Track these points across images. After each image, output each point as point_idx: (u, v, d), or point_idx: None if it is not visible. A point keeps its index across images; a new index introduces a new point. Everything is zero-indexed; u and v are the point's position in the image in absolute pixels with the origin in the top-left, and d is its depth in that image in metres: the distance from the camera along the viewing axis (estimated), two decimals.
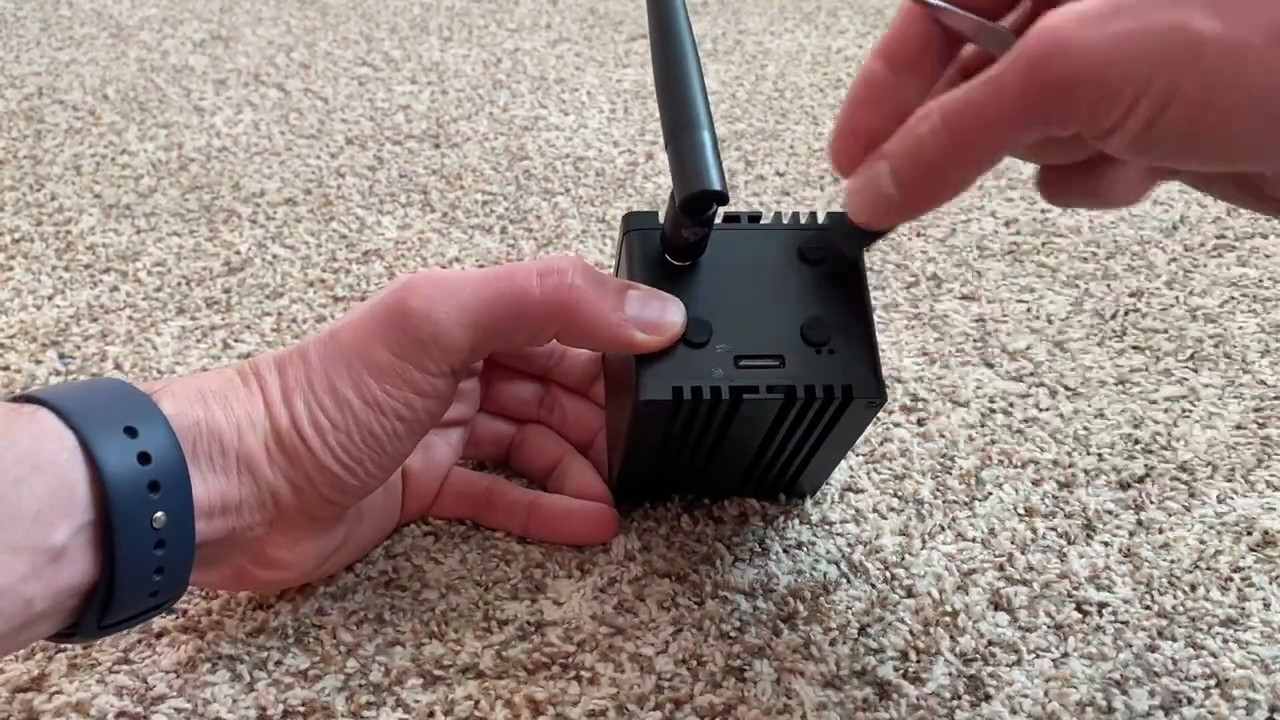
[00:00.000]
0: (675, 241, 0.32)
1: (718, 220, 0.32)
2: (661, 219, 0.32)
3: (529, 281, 0.31)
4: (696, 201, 0.28)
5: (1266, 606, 0.35)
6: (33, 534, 0.25)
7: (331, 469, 0.31)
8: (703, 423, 0.33)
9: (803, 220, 0.33)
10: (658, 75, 0.30)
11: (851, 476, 0.41)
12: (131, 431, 0.27)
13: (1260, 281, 0.56)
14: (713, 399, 0.31)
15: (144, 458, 0.27)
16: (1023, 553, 0.38)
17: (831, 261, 0.33)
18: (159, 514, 0.27)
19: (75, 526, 0.26)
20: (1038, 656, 0.33)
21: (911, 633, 0.34)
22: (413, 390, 0.31)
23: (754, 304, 0.32)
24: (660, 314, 0.31)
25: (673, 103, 0.29)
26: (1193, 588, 0.36)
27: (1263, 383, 0.47)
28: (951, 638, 0.34)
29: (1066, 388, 0.47)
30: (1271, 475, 0.41)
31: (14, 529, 0.25)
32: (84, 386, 0.29)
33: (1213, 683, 0.33)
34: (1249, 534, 0.38)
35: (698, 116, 0.29)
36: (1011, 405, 0.46)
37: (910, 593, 0.36)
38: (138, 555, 0.27)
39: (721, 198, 0.28)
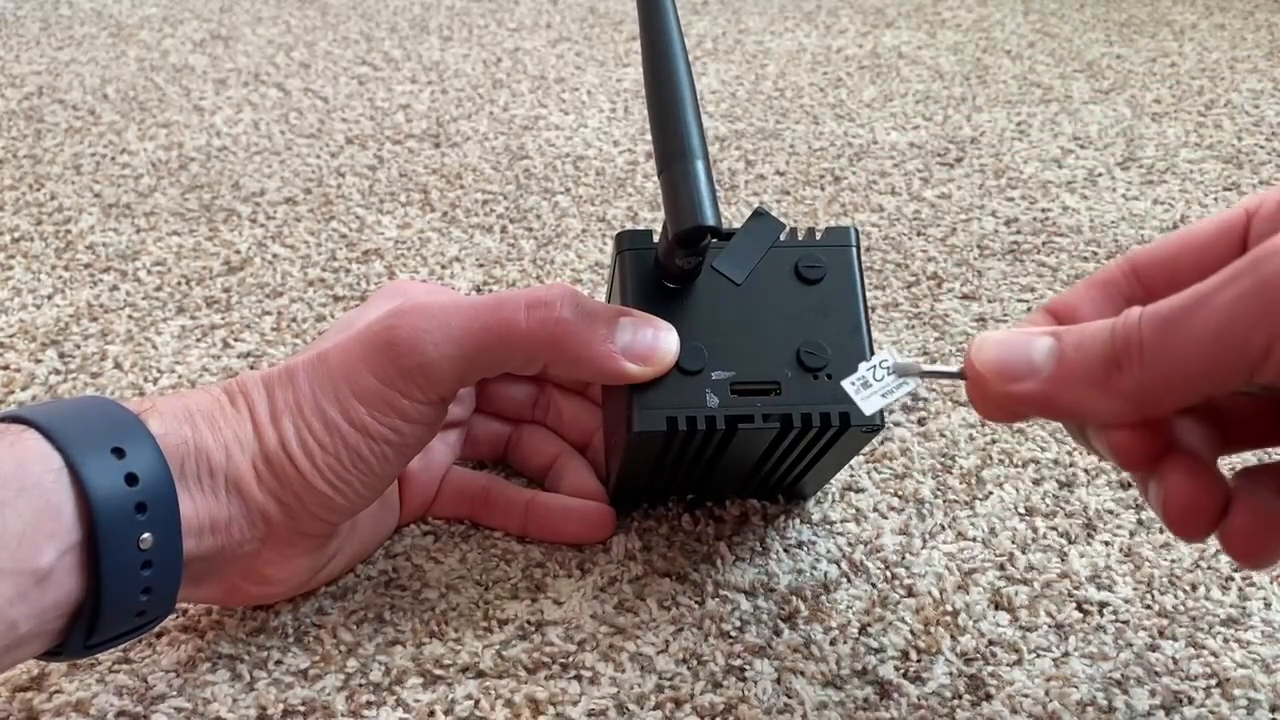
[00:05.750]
0: (669, 268, 0.31)
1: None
2: (656, 238, 0.32)
3: (516, 314, 0.31)
4: (690, 236, 0.28)
5: (1267, 606, 0.35)
6: (18, 557, 0.25)
7: (321, 490, 0.30)
8: (698, 448, 0.33)
9: (800, 237, 0.33)
10: (650, 100, 0.29)
11: (852, 476, 0.41)
12: (119, 452, 0.27)
13: None
14: (708, 428, 0.31)
15: (131, 479, 0.27)
16: (1023, 552, 0.38)
17: (828, 280, 0.33)
18: (146, 535, 0.27)
19: (61, 549, 0.26)
20: (1038, 656, 0.33)
21: (912, 632, 0.34)
22: (400, 417, 0.31)
23: (750, 326, 0.32)
24: (652, 343, 0.31)
25: (666, 130, 0.29)
26: (1193, 587, 0.36)
27: None
28: (952, 637, 0.34)
29: None
30: None
31: None
32: (71, 405, 0.29)
33: (1214, 682, 0.32)
34: None
35: (691, 145, 0.28)
36: None
37: (911, 592, 0.36)
38: (124, 576, 0.27)
39: (716, 232, 0.28)
